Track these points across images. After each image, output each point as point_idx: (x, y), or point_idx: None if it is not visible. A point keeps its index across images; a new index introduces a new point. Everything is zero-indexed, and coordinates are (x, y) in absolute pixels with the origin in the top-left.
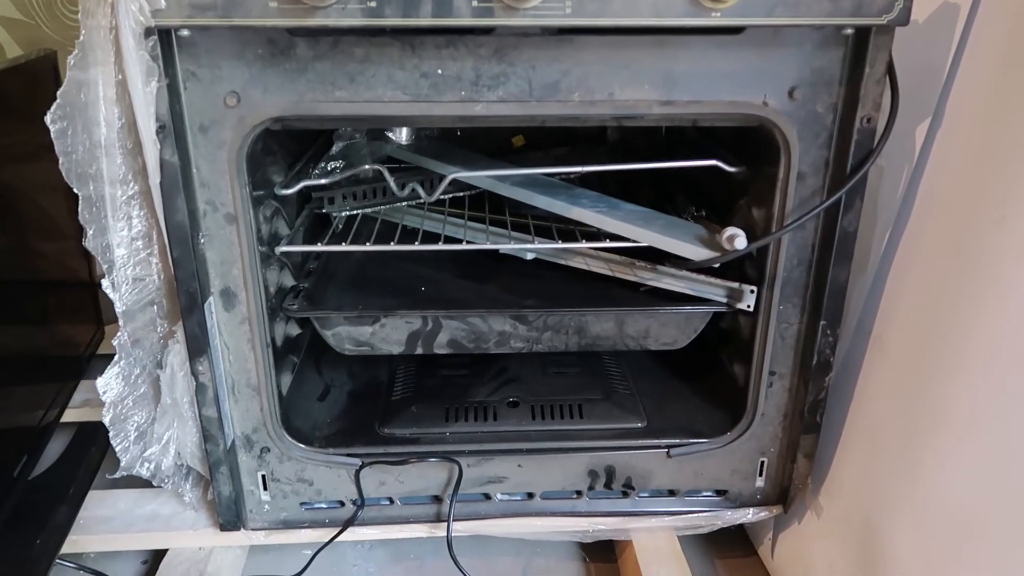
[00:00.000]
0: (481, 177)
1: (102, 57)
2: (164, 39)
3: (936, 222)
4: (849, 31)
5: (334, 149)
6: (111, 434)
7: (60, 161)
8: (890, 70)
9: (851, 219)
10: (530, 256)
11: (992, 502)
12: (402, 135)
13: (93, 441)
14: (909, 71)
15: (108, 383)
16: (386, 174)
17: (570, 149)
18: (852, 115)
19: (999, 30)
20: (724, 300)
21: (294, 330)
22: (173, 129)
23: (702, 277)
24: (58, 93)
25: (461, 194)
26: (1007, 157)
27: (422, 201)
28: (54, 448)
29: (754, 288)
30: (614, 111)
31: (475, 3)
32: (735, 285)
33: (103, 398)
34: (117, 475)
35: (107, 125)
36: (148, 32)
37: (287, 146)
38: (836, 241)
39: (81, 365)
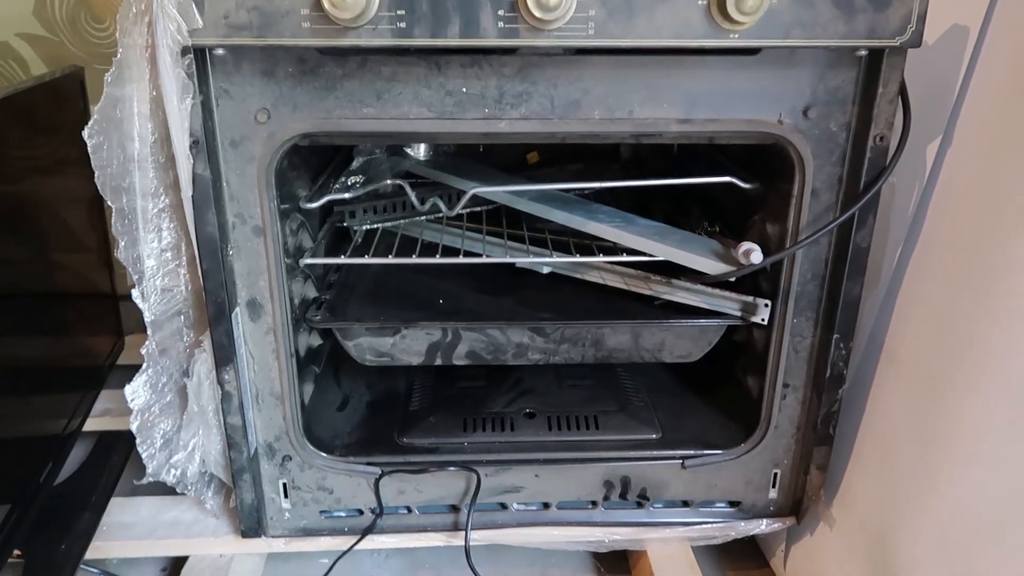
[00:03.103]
0: (501, 192)
1: (137, 74)
2: (199, 57)
3: (947, 237)
4: (863, 52)
5: (354, 164)
6: (138, 441)
7: (96, 175)
8: (902, 90)
9: (864, 235)
10: (546, 270)
11: (1008, 512)
12: (420, 151)
13: (114, 449)
14: (920, 91)
15: (136, 391)
16: (407, 188)
17: (584, 166)
18: (865, 133)
19: (1008, 50)
20: (738, 314)
21: (315, 341)
22: (205, 144)
23: (717, 291)
24: (95, 109)
25: (479, 209)
26: (1017, 173)
27: (441, 215)
28: (75, 457)
29: (768, 302)
30: (634, 128)
31: (501, 24)
32: (749, 299)
33: (131, 405)
34: (144, 481)
35: (140, 140)
36: (184, 51)
37: (309, 161)
38: (849, 256)
39: (102, 375)
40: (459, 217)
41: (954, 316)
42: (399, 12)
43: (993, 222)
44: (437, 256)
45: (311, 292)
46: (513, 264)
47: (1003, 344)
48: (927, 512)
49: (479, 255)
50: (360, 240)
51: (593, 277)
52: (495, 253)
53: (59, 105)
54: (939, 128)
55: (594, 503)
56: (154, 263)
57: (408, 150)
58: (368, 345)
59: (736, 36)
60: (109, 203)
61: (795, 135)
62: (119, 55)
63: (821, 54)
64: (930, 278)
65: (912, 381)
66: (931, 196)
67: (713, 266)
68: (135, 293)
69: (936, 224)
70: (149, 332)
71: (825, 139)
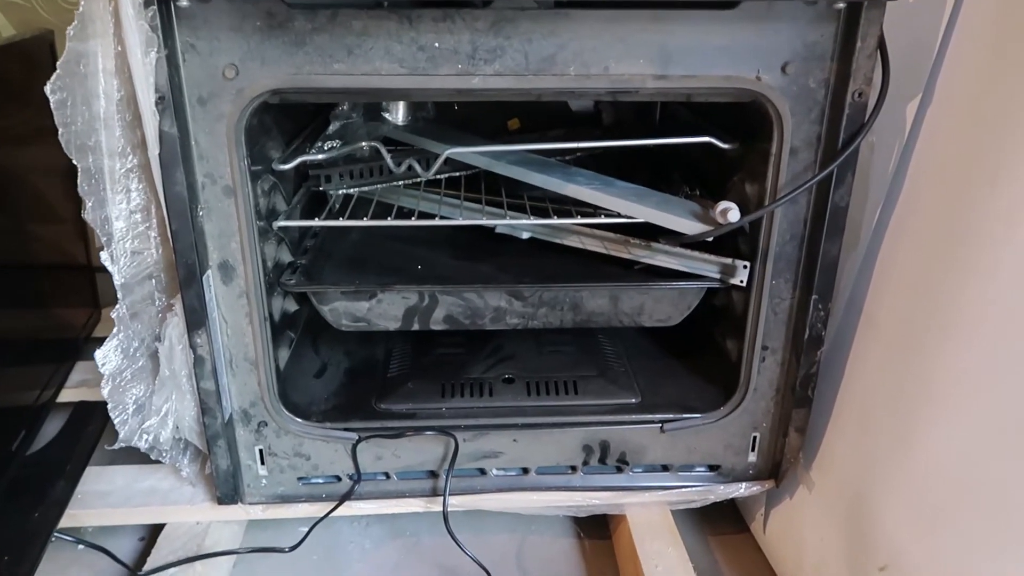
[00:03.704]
0: (477, 154)
1: (101, 29)
2: (163, 9)
3: (926, 198)
4: (841, 5)
5: (331, 129)
6: (110, 406)
7: (60, 132)
8: (881, 45)
9: (842, 193)
10: (525, 235)
11: (980, 472)
12: (398, 116)
13: (90, 419)
14: (900, 48)
15: (107, 355)
16: (383, 150)
17: (565, 132)
18: (844, 90)
19: (989, 6)
20: (718, 276)
21: (291, 306)
22: (172, 101)
23: (696, 253)
24: (58, 64)
25: (457, 174)
26: (996, 132)
27: (418, 180)
28: (51, 427)
29: (747, 263)
30: (609, 85)
31: None
32: (728, 261)
33: (101, 370)
34: (115, 447)
35: (106, 97)
36: (147, 2)
37: (284, 125)
38: (828, 215)
39: (78, 347)
40: (437, 184)
41: (930, 277)
42: None
43: (970, 182)
44: (413, 219)
45: (286, 256)
46: (492, 232)
47: (978, 306)
48: (904, 474)
49: (456, 218)
50: (336, 207)
51: (572, 242)
52: (473, 218)
53: (29, 71)
54: (919, 86)
55: (573, 468)
56: (123, 225)
57: (386, 115)
58: (344, 310)
59: None
60: (74, 161)
61: (773, 92)
62: (81, 7)
63: (799, 8)
64: (908, 239)
65: (890, 343)
66: (911, 155)
67: (691, 226)
68: (104, 256)
69: (915, 184)
70: (119, 296)
71: (803, 96)
